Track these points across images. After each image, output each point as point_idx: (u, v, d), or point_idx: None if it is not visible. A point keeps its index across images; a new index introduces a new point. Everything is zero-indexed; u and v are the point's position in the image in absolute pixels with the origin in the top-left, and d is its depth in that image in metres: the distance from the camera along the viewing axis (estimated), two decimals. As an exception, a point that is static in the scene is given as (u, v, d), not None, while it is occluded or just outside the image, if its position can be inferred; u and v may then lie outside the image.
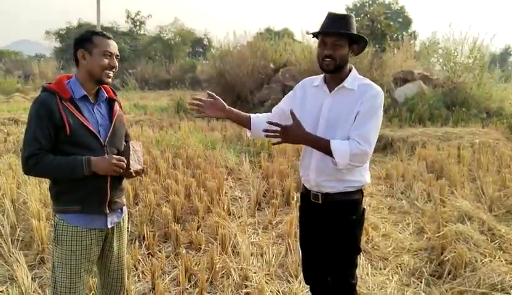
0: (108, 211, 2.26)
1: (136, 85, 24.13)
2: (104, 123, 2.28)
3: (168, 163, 6.77)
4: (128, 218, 4.83)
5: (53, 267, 2.26)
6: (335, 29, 2.30)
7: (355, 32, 2.34)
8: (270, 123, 2.30)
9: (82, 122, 2.16)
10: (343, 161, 2.25)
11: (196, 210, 4.97)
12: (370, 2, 37.12)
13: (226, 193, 5.71)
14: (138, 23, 36.10)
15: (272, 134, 2.31)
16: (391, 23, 18.43)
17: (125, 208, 2.47)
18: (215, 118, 2.36)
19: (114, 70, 2.25)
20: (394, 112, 11.58)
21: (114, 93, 2.42)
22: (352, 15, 2.44)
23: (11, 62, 31.41)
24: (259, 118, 2.68)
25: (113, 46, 2.25)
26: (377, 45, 13.94)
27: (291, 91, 2.70)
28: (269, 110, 2.81)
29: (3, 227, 4.33)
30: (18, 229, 4.42)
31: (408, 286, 3.64)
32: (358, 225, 2.49)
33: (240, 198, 5.76)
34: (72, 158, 2.11)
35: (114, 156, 2.17)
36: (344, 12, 2.41)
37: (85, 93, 2.23)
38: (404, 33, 26.73)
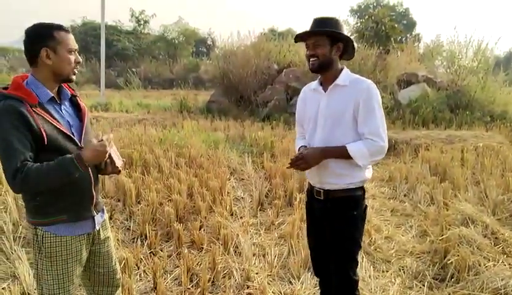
0: (95, 214, 2.20)
1: (140, 83, 24.11)
2: (75, 123, 2.16)
3: (171, 163, 6.76)
4: (131, 217, 4.86)
5: (39, 277, 2.14)
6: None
7: (332, 30, 2.40)
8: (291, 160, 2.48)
9: (58, 127, 2.02)
10: (365, 161, 2.39)
11: (198, 210, 4.96)
12: (375, 4, 37.02)
13: (228, 193, 5.69)
14: (142, 22, 36.06)
15: (296, 166, 2.46)
16: (396, 25, 18.36)
17: (104, 206, 2.40)
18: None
19: (78, 66, 2.14)
20: (398, 114, 11.55)
21: (71, 88, 2.27)
22: (336, 17, 2.51)
23: (15, 59, 31.41)
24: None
25: (74, 41, 2.11)
26: (381, 47, 13.89)
27: (298, 104, 2.80)
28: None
29: (5, 224, 4.33)
30: (21, 226, 4.41)
31: (410, 288, 3.62)
32: (359, 221, 2.54)
33: (242, 198, 5.75)
34: (59, 160, 1.94)
35: (93, 143, 2.00)
36: (330, 16, 2.51)
37: (52, 95, 2.07)
38: (408, 35, 26.70)
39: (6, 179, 1.91)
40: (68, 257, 2.12)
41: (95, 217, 2.22)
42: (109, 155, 2.19)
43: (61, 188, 2.02)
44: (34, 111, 1.94)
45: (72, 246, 2.13)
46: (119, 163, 2.26)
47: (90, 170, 2.15)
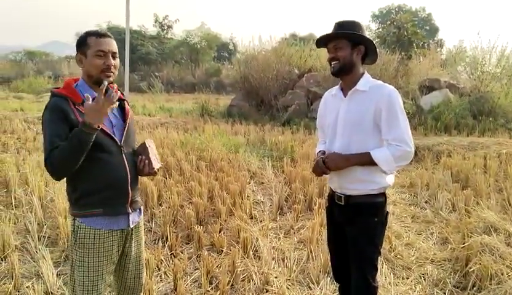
0: (130, 211, 2.27)
1: (162, 87, 24.38)
2: (118, 123, 2.27)
3: (192, 165, 6.83)
4: (152, 218, 4.92)
5: (73, 268, 2.22)
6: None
7: (351, 32, 2.42)
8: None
9: None
10: (390, 167, 2.36)
11: (218, 213, 5.00)
12: (397, 9, 36.75)
13: (248, 196, 5.73)
14: (165, 27, 36.45)
15: (320, 171, 2.51)
16: (418, 31, 18.25)
17: (142, 207, 2.47)
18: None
19: (112, 69, 2.19)
20: (420, 120, 11.44)
21: (120, 92, 2.37)
22: (356, 20, 2.51)
23: (42, 62, 32.09)
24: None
25: (107, 44, 2.18)
26: (403, 53, 13.78)
27: (319, 109, 2.83)
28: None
29: (30, 223, 4.44)
30: (45, 226, 4.52)
31: (431, 296, 3.59)
32: (380, 227, 2.52)
33: (262, 202, 5.77)
34: (71, 133, 2.01)
35: (87, 103, 2.00)
36: (350, 19, 2.52)
37: (96, 95, 2.11)
38: (431, 41, 26.40)
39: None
40: (99, 251, 2.18)
41: (130, 215, 2.29)
42: (148, 157, 2.30)
43: (98, 181, 2.14)
44: (77, 108, 2.11)
45: (105, 240, 2.20)
46: (156, 165, 2.34)
47: (127, 169, 2.23)
